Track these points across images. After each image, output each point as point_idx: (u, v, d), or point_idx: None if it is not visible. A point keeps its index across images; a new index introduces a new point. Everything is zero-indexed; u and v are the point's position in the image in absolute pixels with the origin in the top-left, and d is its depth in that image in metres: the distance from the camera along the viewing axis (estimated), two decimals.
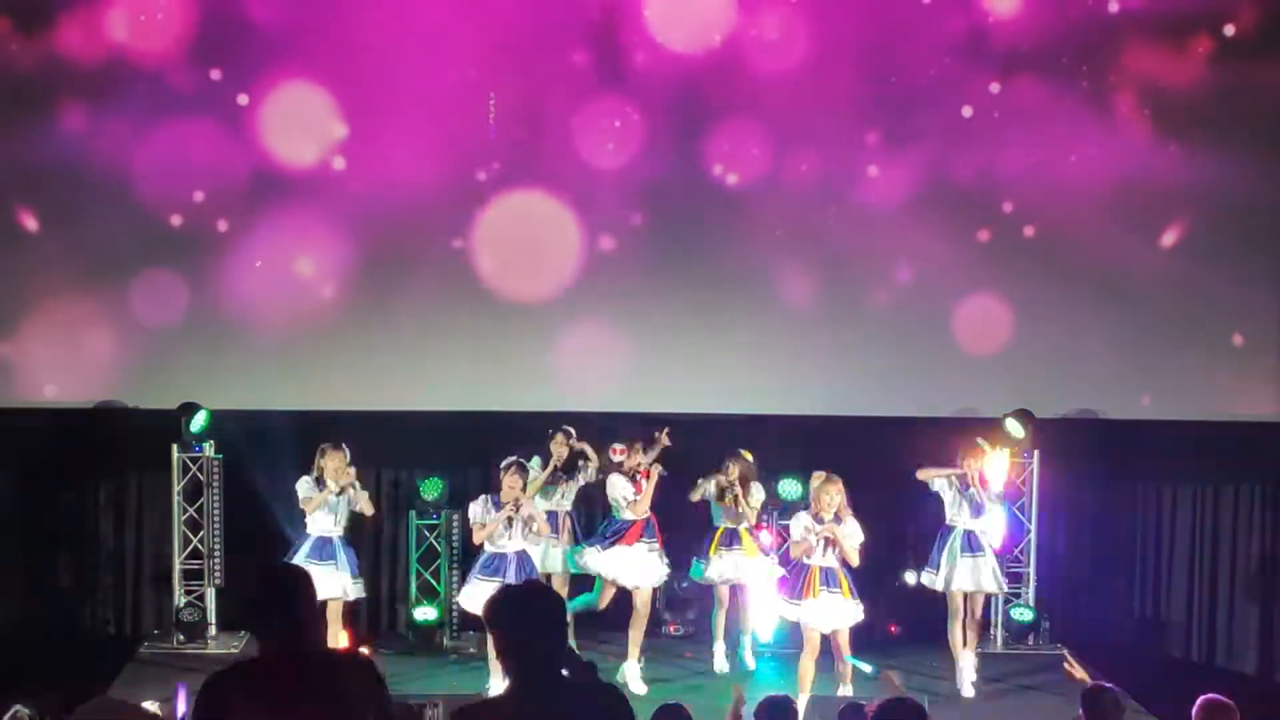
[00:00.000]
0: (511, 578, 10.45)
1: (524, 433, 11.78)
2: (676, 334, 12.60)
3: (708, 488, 11.39)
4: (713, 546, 11.44)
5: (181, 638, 12.21)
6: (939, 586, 11.24)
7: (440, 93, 12.29)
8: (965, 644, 11.19)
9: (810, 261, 12.64)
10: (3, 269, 12.42)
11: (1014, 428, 12.39)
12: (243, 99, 12.26)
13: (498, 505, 10.62)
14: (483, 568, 10.63)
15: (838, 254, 12.66)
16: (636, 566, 11.09)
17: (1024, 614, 12.51)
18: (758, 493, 11.39)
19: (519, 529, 10.61)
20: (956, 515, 11.23)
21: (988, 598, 11.63)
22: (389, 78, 12.27)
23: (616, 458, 11.26)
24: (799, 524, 10.50)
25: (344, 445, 11.03)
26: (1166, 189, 12.47)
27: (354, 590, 11.09)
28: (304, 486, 10.99)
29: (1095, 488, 13.00)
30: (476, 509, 10.72)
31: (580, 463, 11.48)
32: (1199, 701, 6.92)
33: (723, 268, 12.59)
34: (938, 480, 11.25)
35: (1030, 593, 12.58)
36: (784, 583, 10.82)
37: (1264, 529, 12.87)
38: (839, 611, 10.44)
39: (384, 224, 12.41)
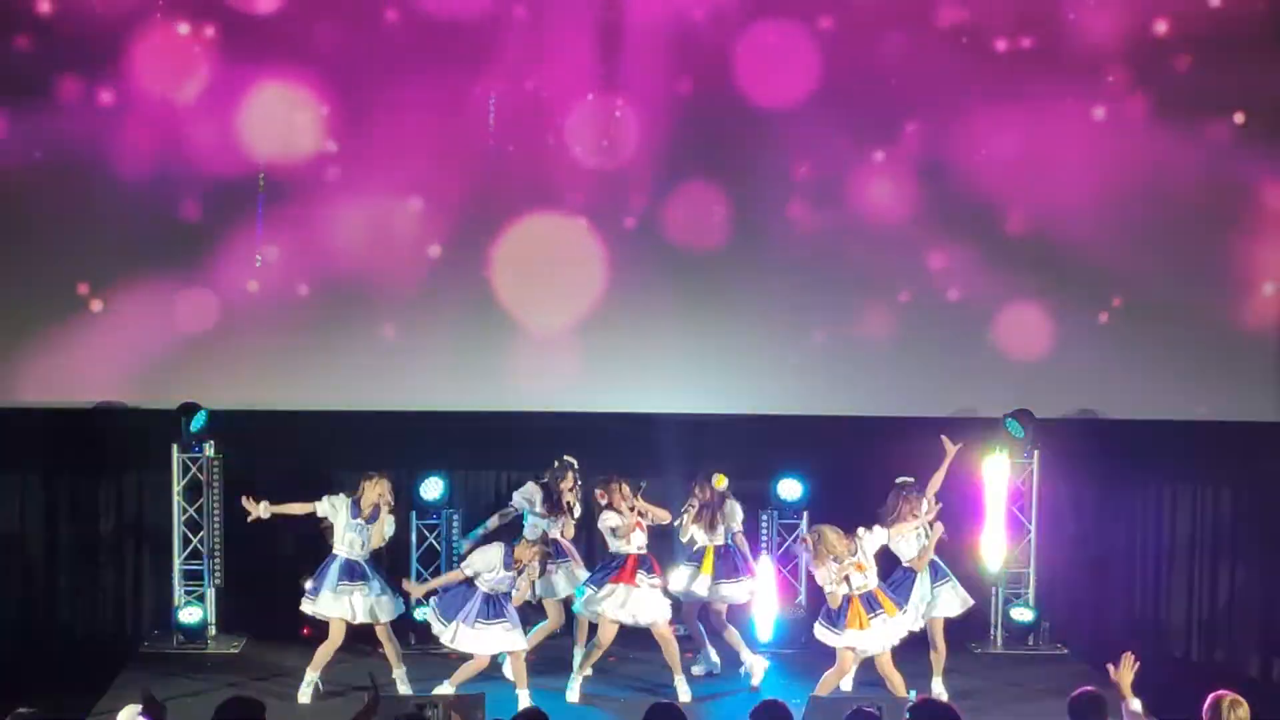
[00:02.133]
0: (512, 618, 10.51)
1: (524, 433, 11.77)
2: (675, 334, 12.59)
3: (687, 519, 11.30)
4: (705, 565, 11.34)
5: (181, 638, 12.21)
6: (921, 624, 10.97)
7: (440, 97, 12.31)
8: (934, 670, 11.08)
9: (810, 262, 12.64)
10: (3, 269, 12.42)
11: (1014, 428, 12.40)
12: (239, 100, 12.29)
13: (509, 564, 10.54)
14: (481, 613, 10.52)
15: (838, 255, 12.66)
16: (643, 604, 10.88)
17: (1024, 614, 12.51)
18: (736, 511, 11.36)
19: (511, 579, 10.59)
20: (920, 555, 10.99)
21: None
22: (387, 79, 12.30)
23: (602, 500, 11.02)
24: (827, 575, 10.42)
25: (387, 477, 10.97)
26: (1165, 186, 12.49)
27: (390, 610, 11.02)
28: (325, 506, 10.93)
29: (1095, 488, 13.01)
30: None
31: (567, 503, 11.43)
32: (1210, 698, 6.93)
33: (722, 268, 12.59)
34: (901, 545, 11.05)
35: (1030, 593, 12.58)
36: (826, 610, 10.67)
37: (1264, 529, 12.88)
38: (891, 631, 10.42)
39: (384, 225, 12.43)
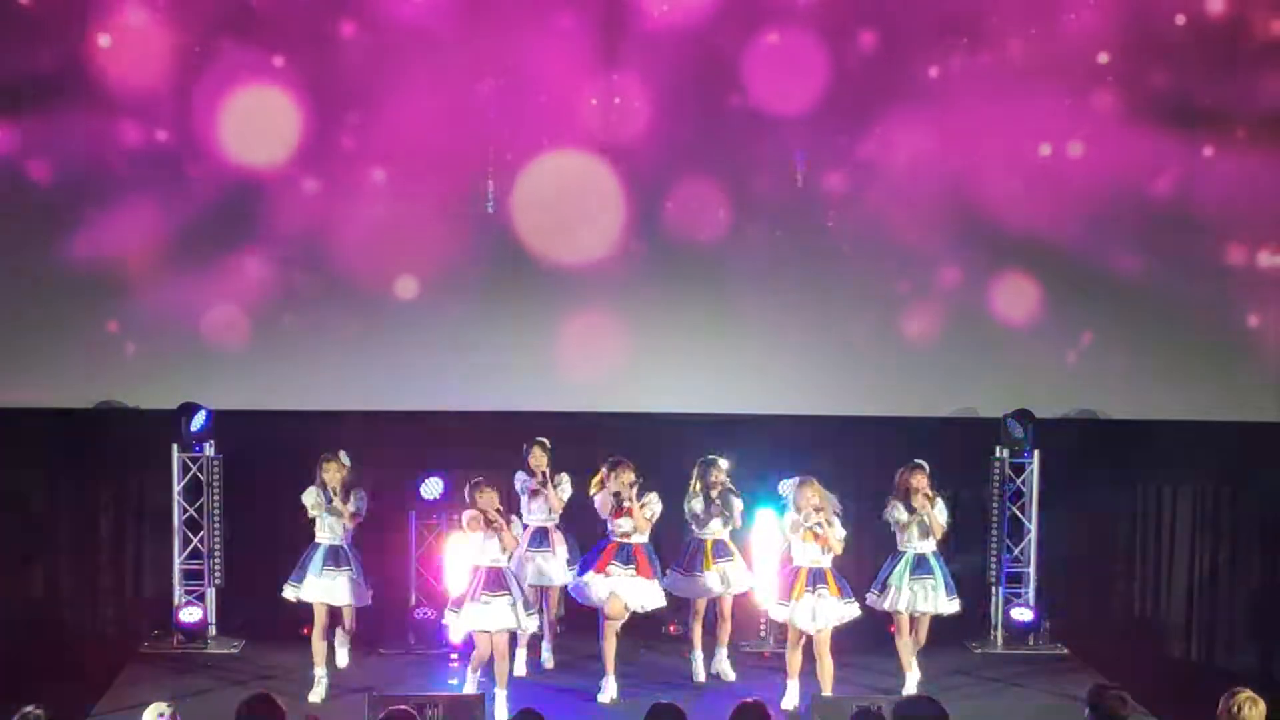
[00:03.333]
0: (516, 591, 10.42)
1: (524, 433, 11.77)
2: (676, 333, 12.61)
3: (692, 505, 11.22)
4: (707, 561, 11.22)
5: (181, 637, 12.21)
6: (885, 606, 11.05)
7: (441, 99, 12.34)
8: (907, 665, 11.05)
9: (812, 261, 12.66)
10: (3, 268, 12.43)
11: (1014, 428, 12.40)
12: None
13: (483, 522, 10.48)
14: (488, 586, 10.41)
15: (839, 254, 12.68)
16: (622, 591, 10.78)
17: (1024, 614, 12.50)
18: (737, 502, 11.27)
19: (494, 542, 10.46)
20: (908, 541, 11.06)
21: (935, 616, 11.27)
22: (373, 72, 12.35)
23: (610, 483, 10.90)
24: (788, 524, 10.55)
25: (341, 453, 10.95)
26: (1163, 186, 12.51)
27: (363, 597, 11.02)
28: (309, 497, 10.94)
29: (1095, 487, 13.00)
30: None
31: (555, 478, 11.34)
32: (1227, 694, 6.92)
33: (723, 267, 12.60)
34: (892, 509, 11.09)
35: (1030, 593, 12.58)
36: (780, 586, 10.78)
37: (1263, 529, 12.88)
38: (825, 611, 10.44)
39: (380, 224, 12.44)
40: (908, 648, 11.02)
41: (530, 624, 10.63)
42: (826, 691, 10.35)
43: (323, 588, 10.87)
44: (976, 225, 12.63)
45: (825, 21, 12.41)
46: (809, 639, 10.53)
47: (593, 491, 11.03)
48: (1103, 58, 12.45)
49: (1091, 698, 7.05)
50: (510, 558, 10.52)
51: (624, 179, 12.50)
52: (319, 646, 10.92)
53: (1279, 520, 12.83)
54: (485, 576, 10.43)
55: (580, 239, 12.58)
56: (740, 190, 12.58)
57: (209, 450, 12.30)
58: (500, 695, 10.45)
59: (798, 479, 10.55)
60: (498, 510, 10.39)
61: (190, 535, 12.32)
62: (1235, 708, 6.82)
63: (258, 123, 12.34)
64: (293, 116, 12.36)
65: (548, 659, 11.63)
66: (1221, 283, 12.65)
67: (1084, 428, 12.81)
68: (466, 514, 10.44)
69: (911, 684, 10.93)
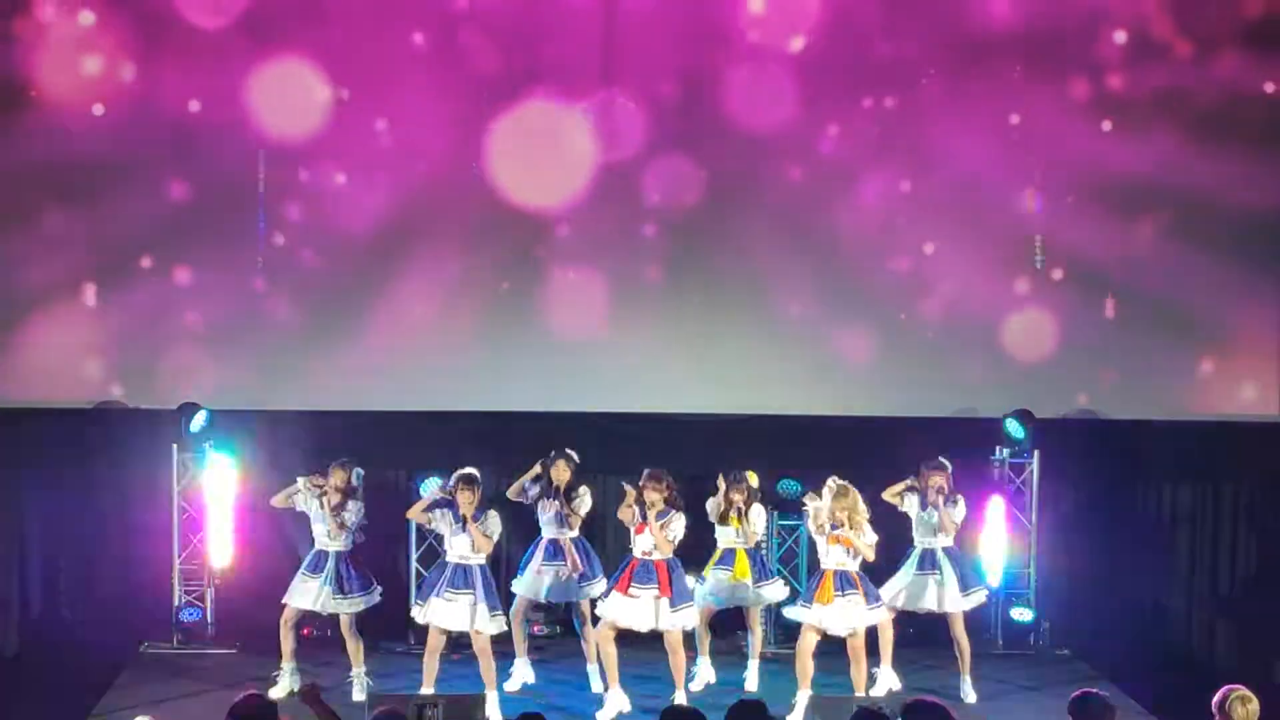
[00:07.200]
0: (479, 590, 10.34)
1: (524, 433, 11.78)
2: (677, 334, 12.62)
3: (711, 508, 11.11)
4: (707, 568, 11.13)
5: (181, 638, 12.21)
6: (885, 600, 10.95)
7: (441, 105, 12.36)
8: (885, 657, 11.02)
9: (813, 261, 12.66)
10: (4, 267, 12.44)
11: (1014, 428, 12.41)
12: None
13: (457, 516, 10.39)
14: (451, 583, 10.37)
15: (840, 254, 12.68)
16: (639, 613, 10.44)
17: (1024, 614, 12.51)
18: (759, 516, 11.21)
19: (468, 539, 10.37)
20: (918, 536, 11.12)
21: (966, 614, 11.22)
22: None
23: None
24: (815, 511, 10.53)
25: (346, 466, 10.83)
26: (1162, 187, 12.53)
27: (333, 605, 10.78)
28: (293, 486, 10.89)
29: (1095, 488, 13.01)
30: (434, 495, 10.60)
31: (577, 491, 11.06)
32: (1220, 692, 6.91)
33: (725, 267, 12.61)
34: (906, 499, 11.13)
35: (1030, 593, 12.58)
36: (805, 591, 10.72)
37: (1264, 529, 12.88)
38: (854, 615, 10.40)
39: (380, 223, 12.45)
40: (888, 642, 11.00)
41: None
42: (861, 694, 10.32)
43: (300, 590, 10.80)
44: (977, 225, 12.65)
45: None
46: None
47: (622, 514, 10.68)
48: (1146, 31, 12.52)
49: (1074, 706, 6.93)
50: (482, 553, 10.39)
51: (619, 183, 12.52)
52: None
53: (1278, 520, 12.83)
54: (452, 572, 10.41)
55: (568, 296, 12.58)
56: (739, 193, 12.57)
57: (209, 450, 12.30)
58: (491, 697, 10.40)
59: (835, 486, 10.49)
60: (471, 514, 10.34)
61: (190, 536, 12.32)
62: (1228, 706, 6.84)
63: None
64: (301, 98, 12.40)
65: (594, 678, 11.06)
66: (1222, 279, 12.65)
67: (1084, 428, 12.81)
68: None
69: (883, 685, 10.90)
